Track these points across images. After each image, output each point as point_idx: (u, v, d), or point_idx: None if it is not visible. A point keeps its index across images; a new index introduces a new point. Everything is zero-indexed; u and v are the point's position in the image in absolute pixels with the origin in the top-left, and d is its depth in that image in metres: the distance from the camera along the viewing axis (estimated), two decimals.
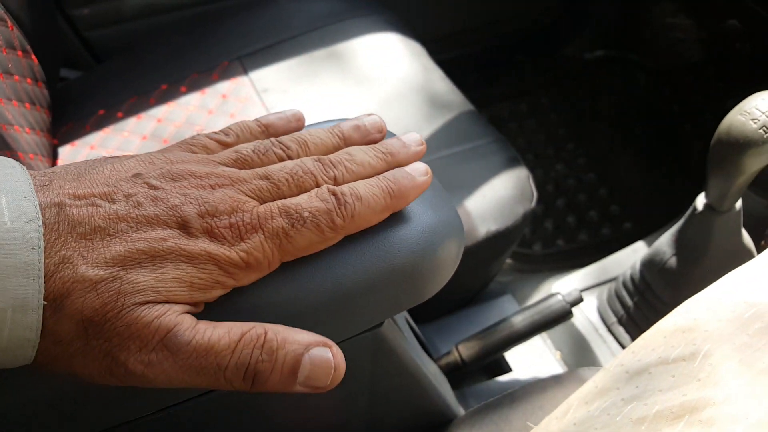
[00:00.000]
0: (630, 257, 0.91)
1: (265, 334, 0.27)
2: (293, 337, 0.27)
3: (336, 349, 0.28)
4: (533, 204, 0.73)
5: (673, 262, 0.70)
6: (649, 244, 0.93)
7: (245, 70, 0.90)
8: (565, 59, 1.51)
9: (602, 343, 0.78)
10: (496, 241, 0.69)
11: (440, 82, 0.91)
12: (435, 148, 0.79)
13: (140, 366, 0.25)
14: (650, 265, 0.74)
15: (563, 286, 0.86)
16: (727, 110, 1.43)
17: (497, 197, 0.71)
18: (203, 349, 0.26)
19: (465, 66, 1.45)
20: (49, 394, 0.28)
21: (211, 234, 0.28)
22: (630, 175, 1.32)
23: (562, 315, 0.63)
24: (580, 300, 0.64)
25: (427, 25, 1.31)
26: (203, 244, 0.27)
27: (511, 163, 0.77)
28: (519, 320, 0.63)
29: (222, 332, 0.26)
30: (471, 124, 0.84)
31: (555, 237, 1.22)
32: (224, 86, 0.87)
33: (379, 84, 0.88)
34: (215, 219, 0.28)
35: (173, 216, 0.27)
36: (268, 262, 0.28)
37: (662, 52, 1.49)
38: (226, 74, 0.89)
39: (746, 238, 0.69)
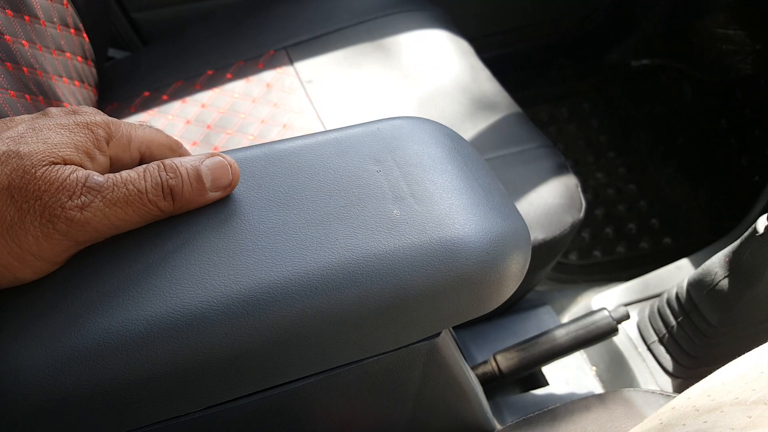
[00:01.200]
0: (673, 274, 0.88)
1: (162, 162, 0.31)
2: (184, 160, 0.32)
3: (220, 154, 0.33)
4: (582, 214, 0.71)
5: (724, 284, 0.68)
6: (694, 261, 0.90)
7: (290, 60, 0.89)
8: (610, 65, 1.48)
9: (641, 362, 0.75)
10: (543, 251, 0.67)
11: (487, 83, 0.89)
12: (480, 149, 0.77)
13: (77, 211, 0.28)
14: (699, 285, 0.71)
15: (603, 299, 0.83)
16: None
17: (545, 205, 0.69)
18: (121, 182, 0.30)
19: (507, 65, 1.42)
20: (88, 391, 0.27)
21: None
22: (671, 188, 1.29)
23: (608, 332, 0.61)
24: (626, 317, 0.62)
25: (471, 21, 1.29)
26: (73, 117, 0.32)
27: (559, 170, 0.75)
28: (562, 334, 0.61)
29: (127, 170, 0.31)
30: (518, 127, 0.82)
31: (592, 248, 1.19)
32: (269, 75, 0.87)
33: (424, 80, 0.87)
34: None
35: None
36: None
37: (711, 63, 1.45)
38: (271, 63, 0.89)
39: None
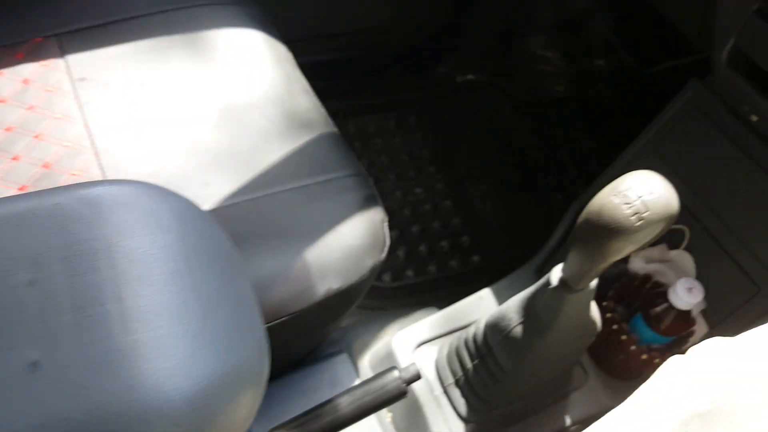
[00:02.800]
0: (475, 306, 0.87)
1: None
2: None
3: None
4: (383, 255, 0.66)
5: (518, 330, 0.67)
6: (497, 293, 0.90)
7: (62, 52, 0.74)
8: (438, 78, 1.47)
9: (436, 408, 0.73)
10: (337, 301, 0.61)
11: (303, 96, 0.81)
12: (282, 178, 0.69)
13: None
14: (495, 328, 0.70)
15: (405, 338, 0.80)
16: (582, 151, 1.47)
17: (344, 247, 0.63)
18: None
19: (335, 71, 1.36)
20: None
21: None
22: (483, 205, 1.31)
23: (397, 395, 0.57)
24: (417, 377, 0.58)
25: (295, 22, 1.20)
26: None
27: (366, 203, 0.69)
28: (347, 402, 0.55)
29: None
30: (329, 150, 0.75)
31: (406, 267, 1.17)
32: (30, 69, 0.71)
33: (229, 89, 0.77)
34: None
35: None
36: None
37: (530, 84, 1.51)
38: (35, 53, 0.73)
39: (594, 312, 0.67)
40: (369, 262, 0.64)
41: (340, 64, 1.36)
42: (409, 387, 0.57)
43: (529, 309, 0.66)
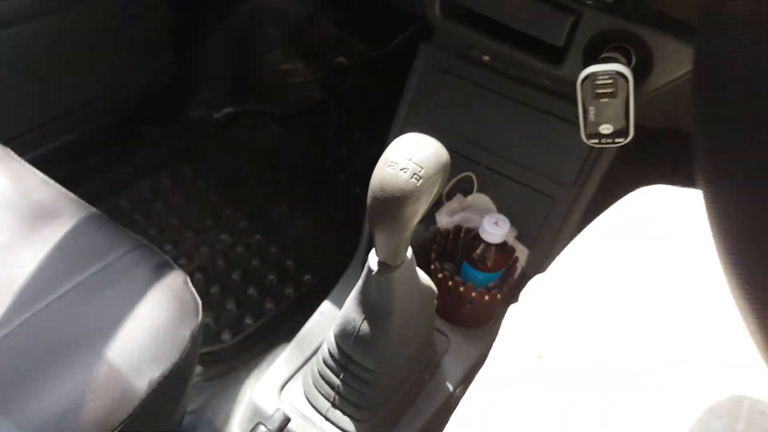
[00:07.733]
0: (320, 322, 0.84)
1: None
2: None
3: None
4: (199, 317, 0.60)
5: (365, 327, 0.65)
6: (335, 301, 0.88)
7: None
8: (195, 122, 1.41)
9: None
10: (167, 388, 0.53)
11: (41, 189, 0.71)
12: (49, 284, 0.59)
13: None
14: (344, 335, 0.67)
15: (264, 391, 0.74)
16: (355, 141, 1.51)
17: (152, 327, 0.55)
18: None
19: (86, 150, 1.23)
20: None
21: None
22: (293, 226, 1.29)
23: None
24: (287, 421, 0.54)
25: (11, 117, 1.06)
26: None
27: (158, 272, 0.62)
28: None
29: None
30: (95, 234, 0.66)
31: (241, 317, 1.11)
32: None
33: None
34: None
35: None
36: None
37: (286, 98, 1.51)
38: None
39: (423, 277, 0.68)
40: (185, 331, 0.57)
41: (87, 140, 1.23)
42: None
43: (365, 303, 0.65)
